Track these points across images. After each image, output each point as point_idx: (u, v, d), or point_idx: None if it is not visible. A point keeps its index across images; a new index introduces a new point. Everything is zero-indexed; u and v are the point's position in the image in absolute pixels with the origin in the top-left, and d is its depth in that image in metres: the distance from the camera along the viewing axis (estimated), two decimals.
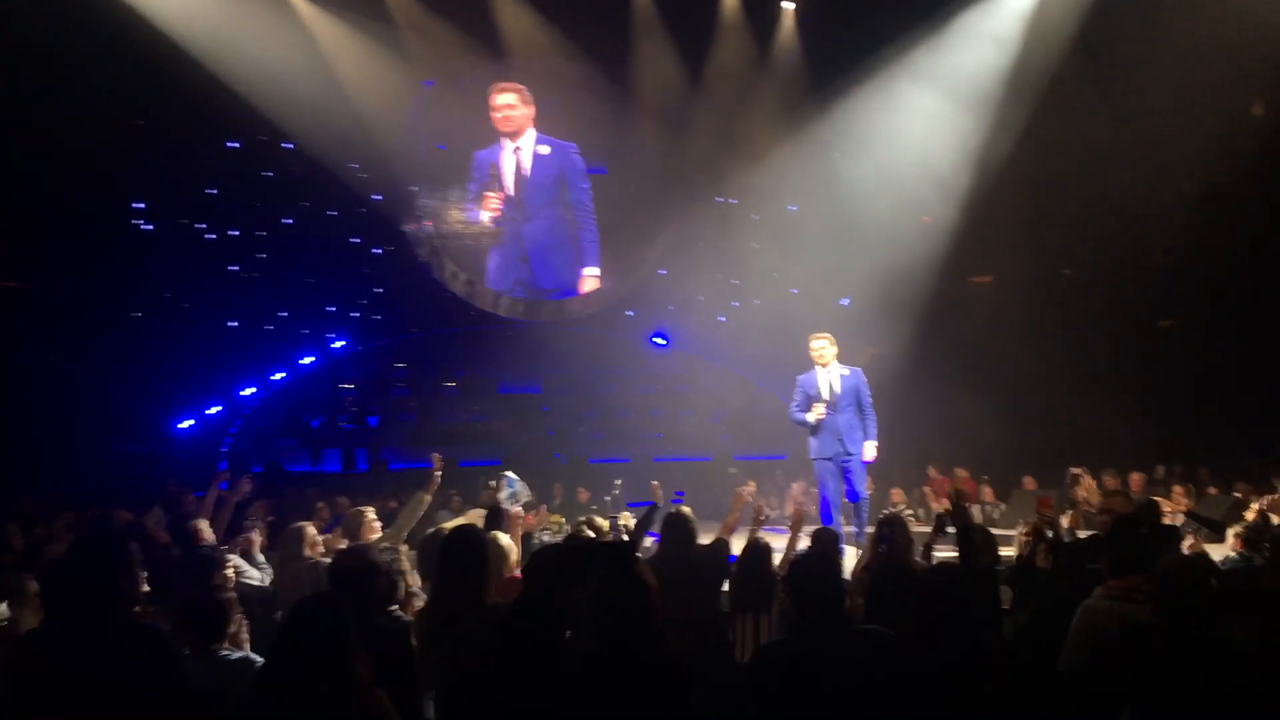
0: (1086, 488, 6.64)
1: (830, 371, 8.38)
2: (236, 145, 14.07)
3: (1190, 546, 6.46)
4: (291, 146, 13.93)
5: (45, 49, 10.94)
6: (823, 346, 8.43)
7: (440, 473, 6.54)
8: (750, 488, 6.49)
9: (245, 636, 4.22)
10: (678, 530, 5.27)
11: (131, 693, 2.99)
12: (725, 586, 5.39)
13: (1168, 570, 3.63)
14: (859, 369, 8.51)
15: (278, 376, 15.62)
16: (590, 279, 14.88)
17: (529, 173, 14.36)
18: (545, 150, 14.44)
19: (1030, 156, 13.16)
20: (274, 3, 12.72)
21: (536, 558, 3.63)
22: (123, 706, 2.95)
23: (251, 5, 12.38)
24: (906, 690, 3.17)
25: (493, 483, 6.76)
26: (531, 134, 14.40)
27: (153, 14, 11.55)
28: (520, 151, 14.40)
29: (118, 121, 12.40)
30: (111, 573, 3.16)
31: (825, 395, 8.27)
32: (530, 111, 14.24)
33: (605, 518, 6.24)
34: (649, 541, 6.41)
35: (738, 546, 5.47)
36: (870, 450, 8.28)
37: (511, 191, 14.44)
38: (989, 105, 13.18)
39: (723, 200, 16.22)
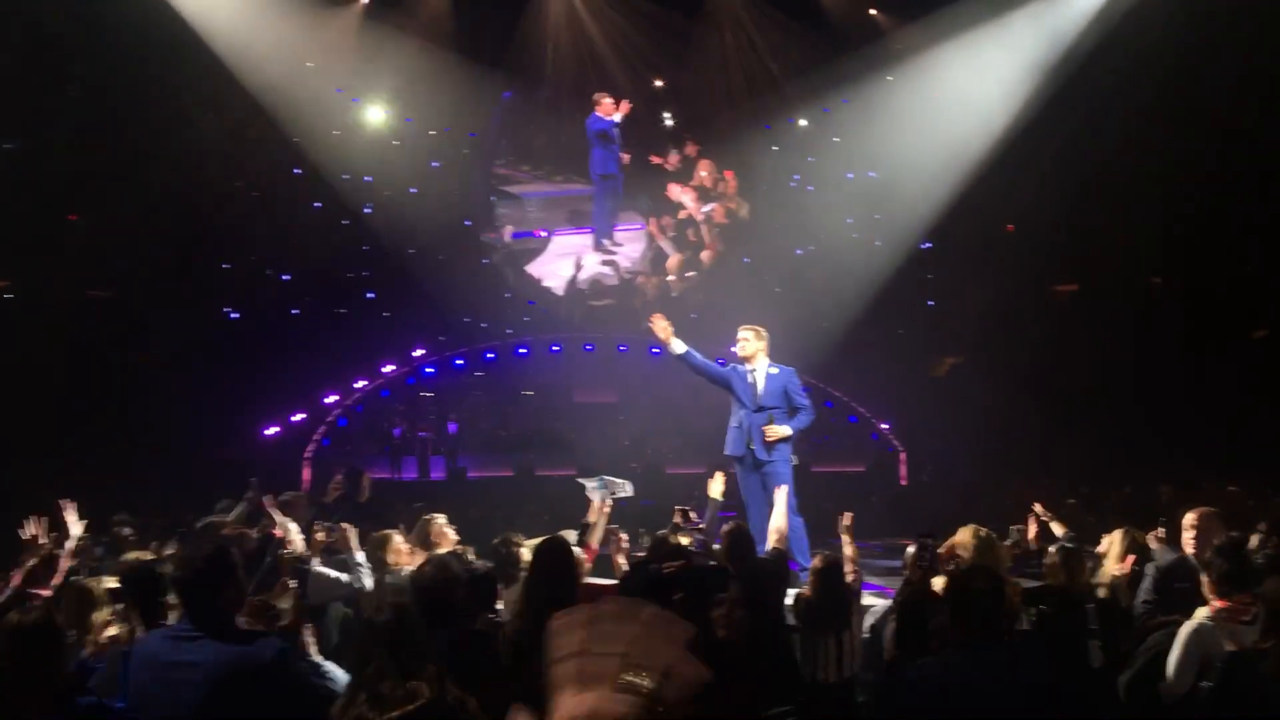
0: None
1: (757, 368, 7.56)
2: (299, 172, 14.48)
3: None
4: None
5: (149, 84, 11.87)
6: (745, 339, 7.57)
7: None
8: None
9: (311, 640, 4.28)
10: (737, 545, 5.24)
11: (247, 702, 3.08)
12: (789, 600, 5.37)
13: (1271, 593, 3.57)
14: (791, 369, 7.65)
15: (359, 384, 15.89)
16: None
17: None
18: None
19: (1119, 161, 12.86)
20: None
21: (632, 578, 3.66)
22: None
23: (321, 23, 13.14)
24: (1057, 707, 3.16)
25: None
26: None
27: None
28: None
29: (207, 143, 12.85)
30: (220, 580, 3.25)
31: (746, 395, 7.50)
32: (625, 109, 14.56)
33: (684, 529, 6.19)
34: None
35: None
36: (777, 430, 7.37)
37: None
38: (1081, 103, 12.90)
39: (794, 120, 16.07)
